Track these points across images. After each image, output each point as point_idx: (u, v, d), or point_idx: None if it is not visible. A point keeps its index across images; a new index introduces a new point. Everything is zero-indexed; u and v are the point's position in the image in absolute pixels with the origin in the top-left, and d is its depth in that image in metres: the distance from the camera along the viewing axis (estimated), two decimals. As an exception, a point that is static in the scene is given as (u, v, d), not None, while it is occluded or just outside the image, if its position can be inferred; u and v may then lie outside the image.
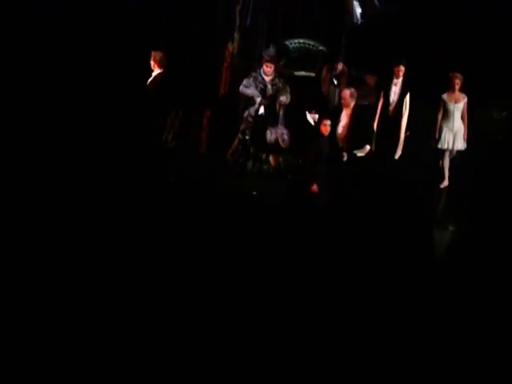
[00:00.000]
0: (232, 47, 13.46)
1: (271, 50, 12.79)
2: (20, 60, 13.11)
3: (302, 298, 8.38)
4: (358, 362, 7.44)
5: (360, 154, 11.08)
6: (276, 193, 11.03)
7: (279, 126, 11.89)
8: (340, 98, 11.65)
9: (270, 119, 11.92)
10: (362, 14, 15.71)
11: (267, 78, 12.05)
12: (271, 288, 8.55)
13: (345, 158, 10.91)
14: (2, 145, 11.54)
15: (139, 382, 7.08)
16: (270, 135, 11.80)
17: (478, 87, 12.13)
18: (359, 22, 15.71)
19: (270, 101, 11.98)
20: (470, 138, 11.75)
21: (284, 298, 8.38)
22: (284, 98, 11.93)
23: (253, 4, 14.81)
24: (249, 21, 14.55)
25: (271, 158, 11.98)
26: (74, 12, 13.49)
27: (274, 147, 11.82)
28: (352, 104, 11.35)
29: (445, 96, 11.61)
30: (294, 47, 15.57)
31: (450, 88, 11.59)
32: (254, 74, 12.12)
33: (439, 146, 11.73)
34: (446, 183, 11.87)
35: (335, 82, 12.99)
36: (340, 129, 11.29)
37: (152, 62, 11.82)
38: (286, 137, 11.79)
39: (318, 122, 10.74)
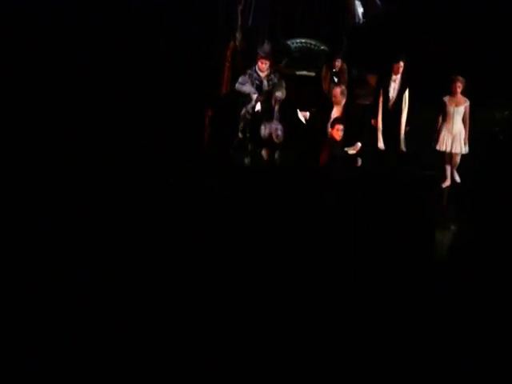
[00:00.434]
0: (234, 47, 13.47)
1: (266, 47, 12.76)
2: (20, 60, 13.13)
3: (302, 299, 8.37)
4: (358, 362, 7.43)
5: (351, 151, 11.06)
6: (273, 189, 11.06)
7: (274, 121, 11.89)
8: (331, 95, 11.67)
9: (265, 115, 11.93)
10: (363, 14, 15.73)
11: (262, 74, 12.03)
12: (271, 288, 8.54)
13: (359, 164, 10.85)
14: (2, 145, 11.55)
15: (139, 382, 7.08)
16: (264, 130, 11.80)
17: (478, 87, 12.09)
18: (361, 22, 15.73)
19: (266, 96, 11.98)
20: (471, 137, 11.71)
21: (284, 298, 8.37)
22: (279, 94, 11.93)
23: (254, 4, 14.83)
24: (250, 20, 14.56)
25: (264, 153, 11.98)
26: (73, 12, 13.50)
27: (268, 142, 11.83)
28: (343, 102, 11.36)
29: (446, 99, 11.53)
30: (295, 47, 15.59)
31: (451, 91, 11.50)
32: (249, 71, 12.11)
33: (437, 148, 11.71)
34: (447, 183, 11.85)
35: (335, 79, 13.00)
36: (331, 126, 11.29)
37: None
38: (279, 132, 11.78)
39: (331, 127, 10.76)
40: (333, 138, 10.62)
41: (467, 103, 11.48)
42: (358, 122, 11.45)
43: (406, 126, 12.10)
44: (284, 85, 12.06)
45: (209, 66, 13.14)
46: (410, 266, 9.26)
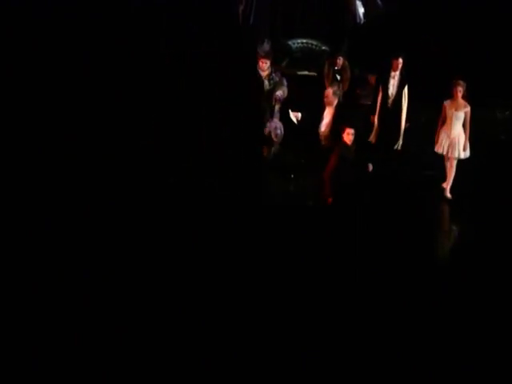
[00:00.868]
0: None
1: (266, 46, 12.75)
2: (20, 60, 13.14)
3: (302, 300, 8.37)
4: (358, 363, 7.43)
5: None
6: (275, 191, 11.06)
7: (274, 119, 11.87)
8: (323, 96, 11.61)
9: (266, 113, 11.91)
10: (364, 14, 15.72)
11: (263, 74, 12.02)
12: (271, 288, 8.54)
13: (370, 169, 10.75)
14: (2, 145, 11.56)
15: (139, 382, 7.09)
16: (264, 129, 11.80)
17: (479, 87, 12.06)
18: (362, 22, 15.71)
19: (267, 95, 11.96)
20: (471, 136, 11.66)
21: (284, 299, 8.37)
22: (280, 93, 11.91)
23: (255, 4, 14.83)
24: (251, 20, 14.57)
25: (263, 151, 11.96)
26: (74, 12, 13.50)
27: (267, 141, 11.81)
28: (335, 102, 11.32)
29: (446, 102, 11.42)
30: (296, 47, 15.59)
31: (451, 95, 11.39)
32: None
33: (435, 150, 11.66)
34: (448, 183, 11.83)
35: (337, 77, 12.99)
36: (323, 127, 11.29)
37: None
38: (279, 131, 11.75)
39: (341, 131, 10.66)
40: (344, 142, 10.46)
41: (467, 108, 11.32)
42: (349, 122, 11.29)
43: (406, 122, 12.09)
44: (285, 83, 12.04)
45: (208, 66, 13.13)
46: (409, 266, 9.25)
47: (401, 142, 12.10)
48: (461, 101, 11.33)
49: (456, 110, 11.33)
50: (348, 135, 10.36)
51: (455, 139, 11.44)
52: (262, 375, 7.25)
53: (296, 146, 11.74)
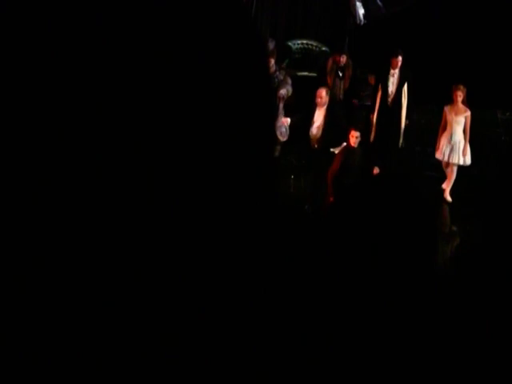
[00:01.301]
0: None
1: (269, 45, 12.71)
2: (20, 60, 13.11)
3: (302, 302, 8.33)
4: (358, 363, 7.39)
5: (336, 150, 10.80)
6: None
7: (278, 118, 11.80)
8: (315, 96, 11.31)
9: None
10: (365, 15, 15.69)
11: None
12: (272, 289, 8.51)
13: (376, 172, 10.65)
14: (2, 145, 11.53)
15: (139, 382, 7.05)
16: None
17: (479, 87, 12.04)
18: (362, 23, 15.69)
19: None
20: (472, 137, 11.62)
21: (284, 299, 8.33)
22: (284, 91, 11.85)
23: (256, 4, 14.82)
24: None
25: None
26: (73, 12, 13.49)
27: None
28: (328, 103, 10.99)
29: (446, 108, 11.31)
30: (296, 48, 15.56)
31: (451, 99, 11.28)
32: None
33: (436, 156, 11.59)
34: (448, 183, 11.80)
35: (340, 74, 12.96)
36: (315, 130, 10.87)
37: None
38: (283, 129, 11.65)
39: (347, 134, 10.50)
40: (349, 145, 10.33)
41: (468, 113, 11.15)
42: (340, 122, 11.11)
43: (406, 120, 12.04)
44: (290, 82, 11.99)
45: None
46: (409, 267, 9.22)
47: (401, 140, 12.07)
48: (461, 106, 11.19)
49: (456, 114, 11.20)
50: (353, 138, 10.21)
51: (456, 145, 11.34)
52: (262, 375, 7.21)
53: (296, 147, 11.67)
